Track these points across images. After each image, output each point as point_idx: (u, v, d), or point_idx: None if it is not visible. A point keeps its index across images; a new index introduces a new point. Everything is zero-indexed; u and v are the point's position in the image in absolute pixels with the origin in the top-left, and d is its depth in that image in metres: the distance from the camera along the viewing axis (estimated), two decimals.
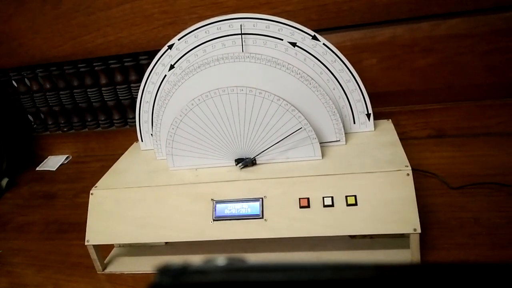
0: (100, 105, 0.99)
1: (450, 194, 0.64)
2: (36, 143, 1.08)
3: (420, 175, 0.69)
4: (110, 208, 0.59)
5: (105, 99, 0.98)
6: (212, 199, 0.56)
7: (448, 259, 0.52)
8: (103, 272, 0.60)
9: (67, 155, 1.06)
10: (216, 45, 0.61)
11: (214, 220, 0.55)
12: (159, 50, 0.64)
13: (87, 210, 0.60)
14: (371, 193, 0.51)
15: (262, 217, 0.53)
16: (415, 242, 0.50)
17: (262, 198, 0.54)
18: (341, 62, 0.60)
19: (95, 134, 1.03)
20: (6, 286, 0.62)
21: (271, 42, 0.60)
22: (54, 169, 1.01)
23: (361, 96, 0.62)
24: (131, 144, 0.75)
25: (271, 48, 0.60)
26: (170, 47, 0.63)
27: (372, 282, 0.16)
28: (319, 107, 0.59)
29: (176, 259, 0.59)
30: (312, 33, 0.59)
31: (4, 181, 0.95)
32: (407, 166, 0.52)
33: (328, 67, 0.60)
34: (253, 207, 0.54)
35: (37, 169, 1.03)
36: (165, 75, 0.65)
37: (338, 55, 0.60)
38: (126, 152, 0.72)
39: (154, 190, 0.58)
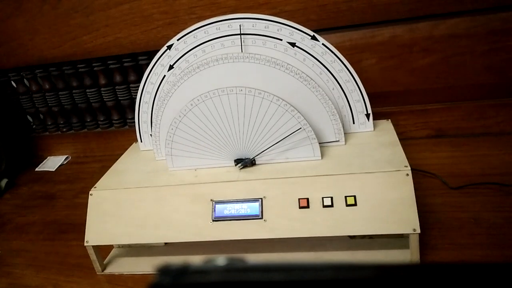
0: (100, 105, 0.99)
1: (449, 194, 0.64)
2: (35, 143, 1.08)
3: (419, 175, 0.69)
4: (109, 209, 0.59)
5: (105, 100, 0.98)
6: (211, 200, 0.56)
7: (447, 259, 0.52)
8: (102, 273, 0.60)
9: (67, 156, 1.05)
10: (215, 45, 0.61)
11: (213, 220, 0.55)
12: (158, 51, 0.64)
13: (87, 210, 0.59)
14: (371, 193, 0.51)
15: (262, 218, 0.53)
16: (414, 242, 0.50)
17: (261, 199, 0.54)
18: (341, 62, 0.60)
19: (94, 134, 1.03)
20: (6, 287, 0.62)
21: (270, 42, 0.60)
22: (54, 170, 1.01)
23: (361, 96, 0.62)
24: (131, 144, 0.75)
25: (270, 48, 0.60)
26: (169, 47, 0.63)
27: (371, 282, 0.16)
28: (319, 107, 0.59)
29: (175, 260, 0.59)
30: (312, 33, 0.59)
31: (3, 182, 0.95)
32: (407, 166, 0.52)
33: (328, 67, 0.60)
34: (252, 208, 0.54)
35: (36, 169, 1.03)
36: (164, 76, 0.65)
37: (338, 55, 0.60)
38: (126, 153, 0.72)
39: (154, 190, 0.58)
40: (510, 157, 0.70)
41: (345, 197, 0.52)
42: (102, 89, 0.96)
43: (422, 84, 0.80)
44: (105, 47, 0.90)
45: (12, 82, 1.04)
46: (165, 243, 0.62)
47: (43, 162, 1.05)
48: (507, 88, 0.77)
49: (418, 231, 0.49)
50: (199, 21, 0.61)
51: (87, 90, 0.98)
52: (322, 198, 0.52)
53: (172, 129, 0.60)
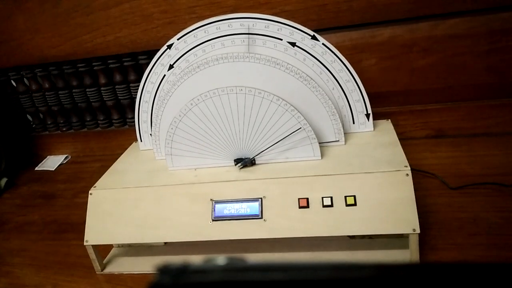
0: (99, 105, 0.99)
1: (449, 194, 0.64)
2: (35, 143, 1.08)
3: (419, 175, 0.69)
4: (109, 208, 0.59)
5: (104, 99, 0.98)
6: (211, 199, 0.56)
7: (447, 259, 0.52)
8: (102, 273, 0.60)
9: (66, 155, 1.05)
10: (215, 45, 0.61)
11: (213, 220, 0.55)
12: (158, 50, 0.64)
13: (86, 210, 0.59)
14: (371, 193, 0.51)
15: (261, 217, 0.53)
16: (414, 242, 0.50)
17: (261, 198, 0.54)
18: (341, 62, 0.60)
19: (94, 134, 1.03)
20: (5, 287, 0.62)
21: (270, 42, 0.60)
22: (53, 169, 1.01)
23: (361, 96, 0.62)
24: (130, 144, 0.74)
25: (270, 48, 0.60)
26: (170, 46, 0.63)
27: (371, 282, 0.16)
28: (319, 107, 0.59)
29: (175, 259, 0.59)
30: (312, 33, 0.59)
31: (3, 181, 0.95)
32: (407, 166, 0.52)
33: (328, 67, 0.60)
34: (252, 207, 0.54)
35: (36, 169, 1.03)
36: (164, 75, 0.64)
37: (338, 55, 0.60)
38: (125, 152, 0.72)
39: (153, 190, 0.58)
40: (510, 157, 0.70)
41: (345, 197, 0.52)
42: (102, 88, 0.96)
43: (422, 84, 0.80)
44: (105, 47, 0.90)
45: (12, 81, 1.04)
46: (165, 243, 0.62)
47: (43, 161, 1.05)
48: (507, 88, 0.77)
49: (418, 231, 0.49)
50: (199, 21, 0.61)
51: (87, 90, 0.98)
52: (322, 198, 0.52)
53: (172, 128, 0.60)
